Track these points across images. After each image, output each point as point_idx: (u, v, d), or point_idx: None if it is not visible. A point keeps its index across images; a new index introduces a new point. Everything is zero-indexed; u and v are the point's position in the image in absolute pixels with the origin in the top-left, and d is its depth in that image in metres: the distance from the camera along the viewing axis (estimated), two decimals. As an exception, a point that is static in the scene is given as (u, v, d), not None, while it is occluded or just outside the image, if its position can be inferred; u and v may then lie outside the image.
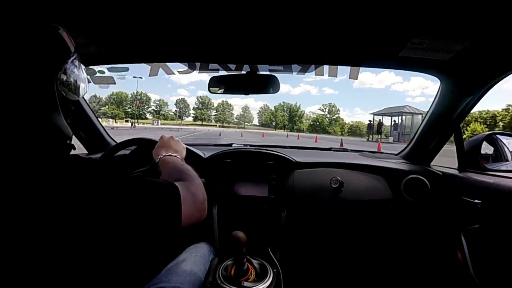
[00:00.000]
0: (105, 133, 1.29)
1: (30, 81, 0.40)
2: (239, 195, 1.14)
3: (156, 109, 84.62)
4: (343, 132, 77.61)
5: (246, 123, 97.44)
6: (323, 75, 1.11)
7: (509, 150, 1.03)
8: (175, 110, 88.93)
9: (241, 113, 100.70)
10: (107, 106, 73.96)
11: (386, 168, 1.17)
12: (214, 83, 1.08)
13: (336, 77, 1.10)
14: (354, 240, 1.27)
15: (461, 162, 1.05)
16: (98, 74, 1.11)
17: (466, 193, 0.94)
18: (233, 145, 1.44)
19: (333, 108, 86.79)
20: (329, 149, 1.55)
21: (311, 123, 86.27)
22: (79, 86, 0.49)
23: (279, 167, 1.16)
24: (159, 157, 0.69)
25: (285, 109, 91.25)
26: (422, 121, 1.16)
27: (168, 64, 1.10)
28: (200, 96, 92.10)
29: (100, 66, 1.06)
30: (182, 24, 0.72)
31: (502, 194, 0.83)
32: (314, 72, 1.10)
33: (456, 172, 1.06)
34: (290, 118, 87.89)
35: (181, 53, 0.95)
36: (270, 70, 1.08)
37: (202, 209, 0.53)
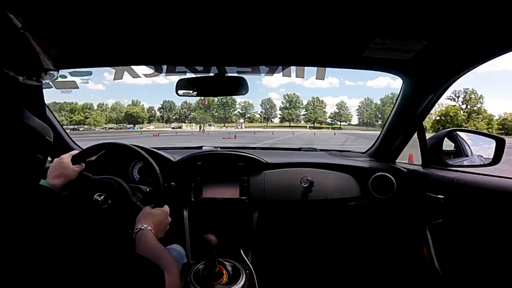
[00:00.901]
0: (68, 138, 1.25)
1: None
2: (210, 197, 1.13)
3: (241, 112, 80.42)
4: (490, 131, 47.51)
5: (342, 123, 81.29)
6: (290, 76, 1.11)
7: (468, 146, 1.08)
8: (261, 112, 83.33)
9: (336, 110, 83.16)
10: (196, 112, 72.10)
11: (353, 166, 1.19)
12: (182, 86, 1.07)
13: (303, 77, 1.11)
14: (325, 238, 1.29)
15: (425, 158, 1.08)
16: (59, 79, 1.08)
17: (430, 189, 0.97)
18: (203, 147, 1.43)
19: (472, 96, 59.26)
20: (299, 149, 1.56)
21: (438, 118, 58.99)
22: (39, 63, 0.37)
23: (249, 168, 1.16)
24: (138, 227, 0.65)
25: (396, 102, 73.04)
26: (387, 119, 1.19)
27: (133, 66, 1.08)
28: (287, 94, 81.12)
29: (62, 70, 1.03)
30: (147, 26, 0.70)
31: (462, 189, 0.86)
32: (282, 73, 1.10)
33: (420, 168, 1.09)
34: (405, 113, 69.54)
35: (147, 56, 0.93)
36: (238, 72, 1.08)
37: None
